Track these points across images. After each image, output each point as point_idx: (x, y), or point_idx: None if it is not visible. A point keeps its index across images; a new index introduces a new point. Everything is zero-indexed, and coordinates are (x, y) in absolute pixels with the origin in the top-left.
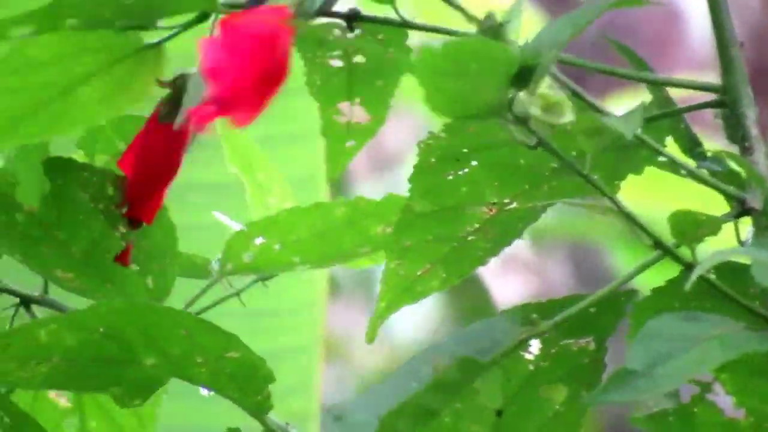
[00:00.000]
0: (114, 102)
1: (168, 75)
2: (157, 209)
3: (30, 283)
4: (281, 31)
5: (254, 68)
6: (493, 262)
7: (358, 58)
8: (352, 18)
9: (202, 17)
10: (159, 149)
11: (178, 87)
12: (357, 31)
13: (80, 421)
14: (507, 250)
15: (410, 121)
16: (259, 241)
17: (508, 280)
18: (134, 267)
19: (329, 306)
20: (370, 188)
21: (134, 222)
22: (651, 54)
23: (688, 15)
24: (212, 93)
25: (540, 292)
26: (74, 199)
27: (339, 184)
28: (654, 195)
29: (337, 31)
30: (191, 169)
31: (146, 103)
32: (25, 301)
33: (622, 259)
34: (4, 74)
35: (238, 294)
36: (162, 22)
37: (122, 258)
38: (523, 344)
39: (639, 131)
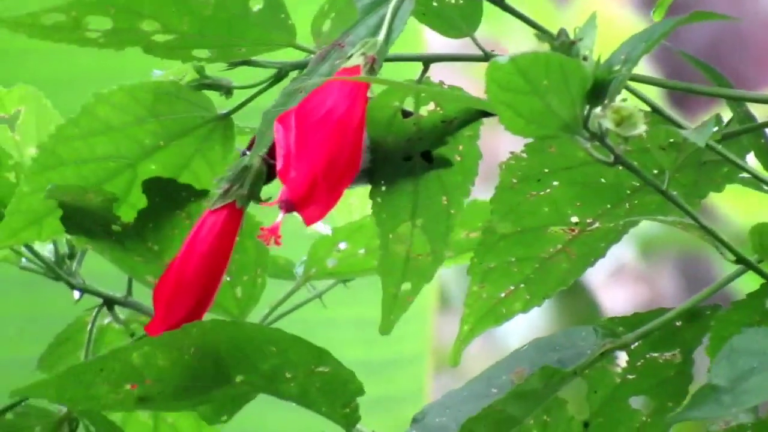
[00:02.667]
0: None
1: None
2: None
3: (111, 285)
4: (355, 111)
5: (328, 161)
6: (602, 272)
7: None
8: (429, 60)
9: (278, 78)
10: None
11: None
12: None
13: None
14: (616, 260)
15: None
16: (342, 246)
17: (617, 290)
18: (226, 278)
19: (438, 317)
20: (482, 197)
21: None
22: (760, 66)
23: None
24: (284, 196)
25: (648, 301)
26: (170, 215)
27: None
28: (759, 202)
29: (405, 114)
30: None
31: None
32: (109, 302)
33: (731, 268)
34: (72, 138)
35: (320, 296)
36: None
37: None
38: (607, 356)
39: (719, 147)
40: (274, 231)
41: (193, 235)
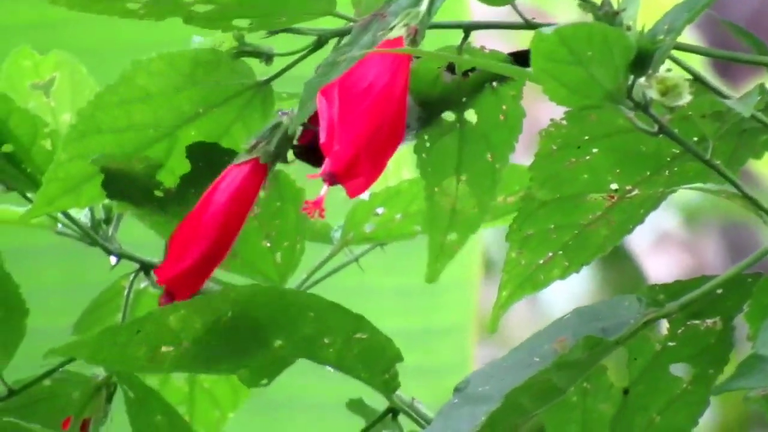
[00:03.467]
0: None
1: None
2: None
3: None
4: (398, 82)
5: (371, 133)
6: (647, 240)
7: (470, 116)
8: (470, 27)
9: (317, 45)
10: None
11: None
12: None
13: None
14: (660, 227)
15: None
16: (380, 211)
17: (661, 257)
18: (266, 243)
19: (483, 284)
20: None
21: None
22: None
23: None
24: (328, 169)
25: (692, 269)
26: (212, 181)
27: None
28: None
29: (448, 75)
30: None
31: None
32: (146, 267)
33: None
34: (111, 106)
35: (356, 260)
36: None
37: None
38: (650, 324)
39: (760, 115)
40: (318, 204)
41: (214, 186)
